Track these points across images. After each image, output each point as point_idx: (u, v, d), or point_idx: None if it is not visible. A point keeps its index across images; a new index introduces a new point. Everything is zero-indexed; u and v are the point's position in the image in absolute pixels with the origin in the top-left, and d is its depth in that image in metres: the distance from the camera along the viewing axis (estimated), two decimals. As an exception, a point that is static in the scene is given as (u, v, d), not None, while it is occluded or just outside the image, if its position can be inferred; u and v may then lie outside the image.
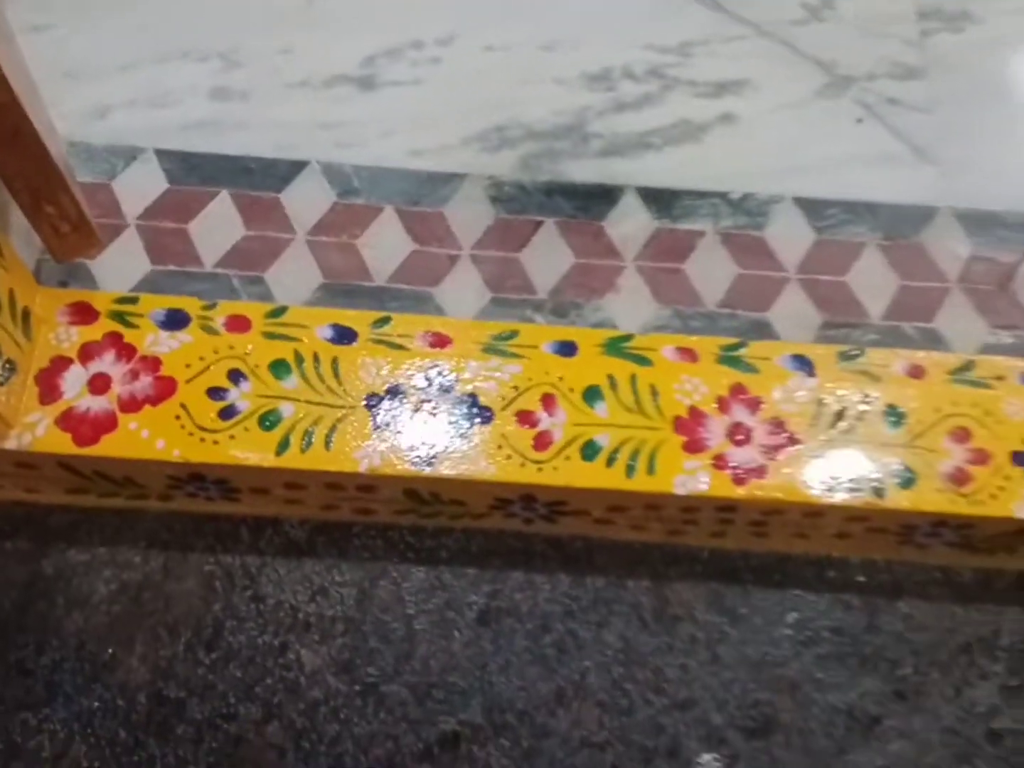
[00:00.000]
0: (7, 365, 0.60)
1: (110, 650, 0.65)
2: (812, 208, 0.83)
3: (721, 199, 0.83)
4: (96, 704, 0.63)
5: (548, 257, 0.79)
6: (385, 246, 0.79)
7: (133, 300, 0.67)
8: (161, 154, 0.82)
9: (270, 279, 0.77)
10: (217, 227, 0.79)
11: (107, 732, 0.63)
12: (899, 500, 0.62)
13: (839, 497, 0.62)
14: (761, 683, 0.66)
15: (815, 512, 0.63)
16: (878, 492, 0.62)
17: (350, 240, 0.79)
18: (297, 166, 0.83)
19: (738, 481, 0.62)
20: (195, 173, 0.82)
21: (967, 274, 0.80)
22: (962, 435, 0.64)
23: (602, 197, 0.82)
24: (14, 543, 0.67)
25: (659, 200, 0.83)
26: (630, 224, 0.81)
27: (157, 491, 0.66)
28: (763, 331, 0.77)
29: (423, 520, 0.68)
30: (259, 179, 0.82)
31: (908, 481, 0.62)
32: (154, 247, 0.78)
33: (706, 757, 0.64)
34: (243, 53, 0.87)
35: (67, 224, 0.64)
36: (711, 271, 0.80)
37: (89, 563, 0.67)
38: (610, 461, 0.62)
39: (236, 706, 0.64)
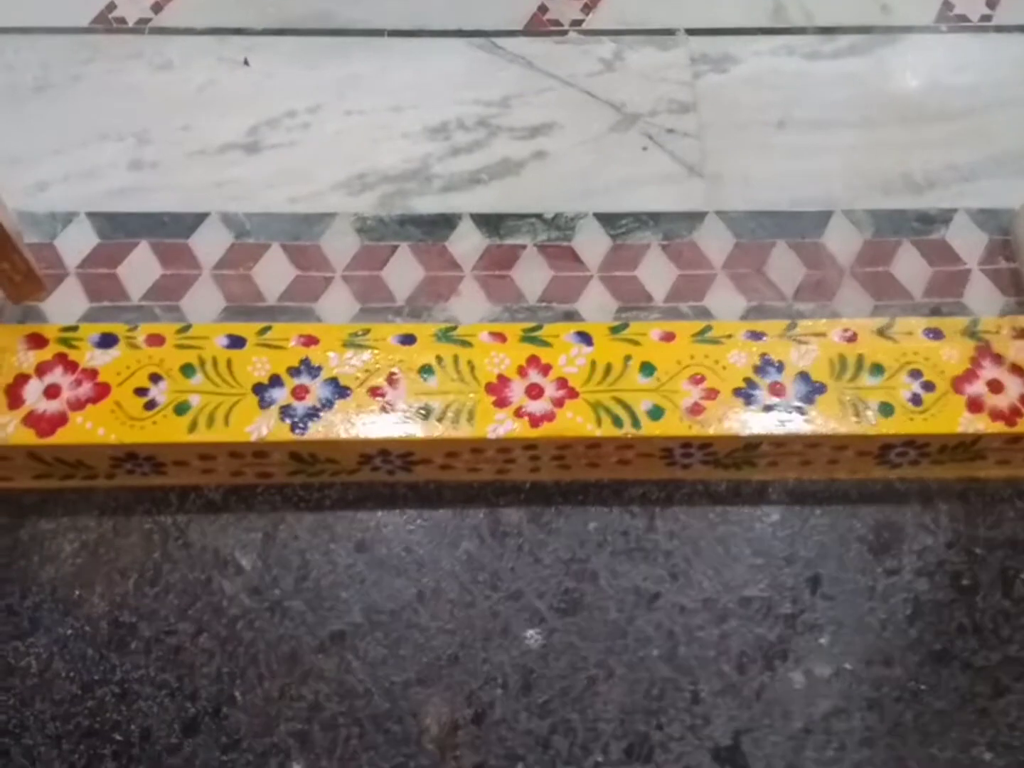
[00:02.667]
0: (-17, 382, 0.81)
1: (77, 592, 0.85)
2: (608, 220, 1.06)
3: (537, 219, 1.06)
4: (69, 632, 0.84)
5: (404, 273, 1.02)
6: (273, 274, 1.01)
7: (74, 328, 0.88)
8: (92, 216, 1.04)
9: (184, 307, 0.98)
10: (140, 270, 1.01)
11: (79, 651, 0.83)
12: (651, 429, 0.85)
13: (607, 431, 0.84)
14: (570, 575, 0.88)
15: (594, 444, 0.86)
16: (635, 424, 0.85)
17: (246, 272, 1.01)
18: (200, 217, 1.04)
19: (534, 424, 0.85)
20: (120, 229, 1.03)
21: (729, 262, 1.03)
22: (698, 379, 0.87)
23: (444, 224, 1.05)
24: (-4, 520, 0.88)
25: (489, 223, 1.05)
26: (467, 244, 1.04)
27: (103, 471, 0.87)
28: (573, 318, 0.99)
29: (310, 478, 0.90)
30: (171, 230, 1.03)
31: (657, 415, 0.85)
32: (91, 289, 0.99)
33: (530, 632, 0.85)
34: (152, 133, 1.09)
35: (19, 275, 0.85)
36: (532, 276, 1.02)
37: (56, 530, 0.88)
38: (441, 418, 0.85)
39: (175, 624, 0.85)
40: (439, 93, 1.13)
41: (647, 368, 0.87)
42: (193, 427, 0.83)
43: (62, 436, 0.83)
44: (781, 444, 0.87)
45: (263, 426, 0.84)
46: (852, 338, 0.90)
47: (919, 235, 1.04)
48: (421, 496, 0.90)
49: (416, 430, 0.84)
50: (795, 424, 0.85)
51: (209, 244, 1.03)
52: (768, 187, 1.08)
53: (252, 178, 1.07)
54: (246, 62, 1.14)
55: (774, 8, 1.21)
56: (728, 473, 0.91)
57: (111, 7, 1.18)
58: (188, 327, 0.89)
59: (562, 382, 0.86)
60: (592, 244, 1.04)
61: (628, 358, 0.88)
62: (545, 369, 0.87)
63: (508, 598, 0.87)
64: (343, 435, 0.84)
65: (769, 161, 1.10)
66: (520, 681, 0.84)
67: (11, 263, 0.82)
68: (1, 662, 0.83)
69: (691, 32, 1.18)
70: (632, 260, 1.03)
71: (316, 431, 0.84)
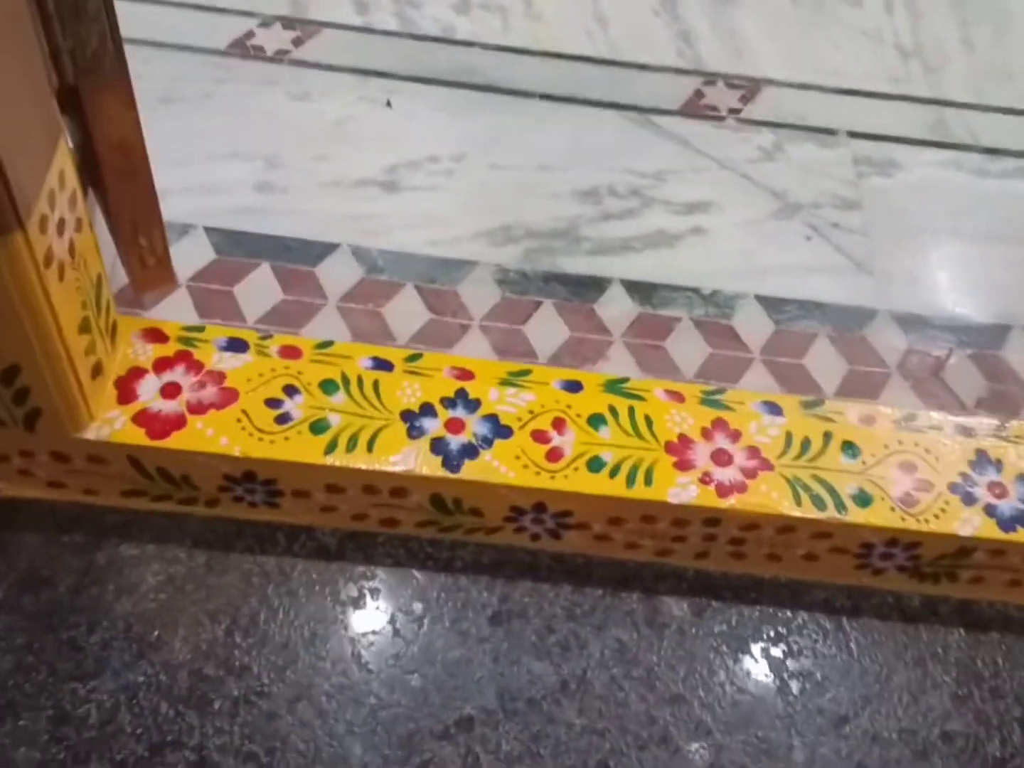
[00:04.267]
0: (96, 366, 0.69)
1: (156, 632, 0.71)
2: (771, 304, 0.97)
3: (694, 293, 0.97)
4: (141, 679, 0.69)
5: (547, 330, 0.91)
6: (406, 314, 0.91)
7: (199, 328, 0.77)
8: (209, 231, 0.94)
9: (305, 335, 0.87)
10: (259, 291, 0.90)
11: (150, 704, 0.68)
12: (858, 516, 0.73)
13: (807, 512, 0.72)
14: (742, 685, 0.73)
15: (787, 527, 0.73)
16: (840, 509, 0.73)
17: (375, 308, 0.91)
18: (329, 247, 0.95)
19: (722, 494, 0.72)
20: (240, 247, 0.93)
21: (904, 363, 0.94)
22: (908, 467, 0.75)
23: (592, 286, 0.96)
24: (71, 537, 0.74)
25: (640, 291, 0.96)
26: (616, 308, 0.94)
27: (207, 494, 0.74)
28: (732, 400, 0.89)
29: (441, 533, 0.77)
30: (296, 255, 0.94)
31: (865, 501, 0.73)
32: (202, 305, 0.88)
33: (695, 746, 0.71)
34: (283, 158, 1.01)
35: (153, 257, 0.74)
36: (687, 349, 0.92)
37: (139, 557, 0.74)
38: (613, 473, 0.72)
39: (269, 686, 0.70)
40: (590, 158, 1.06)
41: (850, 448, 0.76)
42: (331, 449, 0.71)
43: (177, 441, 0.70)
44: (999, 553, 0.74)
45: (411, 457, 0.71)
46: (1070, 446, 0.79)
47: (1107, 359, 0.96)
48: (568, 570, 0.77)
49: (584, 483, 0.72)
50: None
51: (337, 275, 0.93)
52: (941, 293, 1.00)
53: (388, 215, 0.98)
54: (388, 104, 1.07)
55: (936, 122, 1.16)
56: (923, 586, 0.78)
57: (249, 35, 1.12)
58: (328, 343, 0.78)
59: (754, 451, 0.75)
60: (753, 326, 0.95)
61: (828, 435, 0.76)
62: (734, 435, 0.76)
63: (668, 702, 0.72)
64: (500, 478, 0.71)
65: (941, 268, 1.02)
66: (682, 804, 0.69)
67: (150, 241, 0.72)
68: (55, 706, 0.67)
69: (852, 135, 1.13)
70: (798, 348, 0.94)
71: (472, 471, 0.71)
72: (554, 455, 0.73)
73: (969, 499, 0.75)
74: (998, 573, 0.77)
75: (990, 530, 0.73)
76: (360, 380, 0.75)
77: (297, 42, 1.12)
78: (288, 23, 1.14)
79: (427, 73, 1.12)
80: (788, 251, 1.02)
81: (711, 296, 0.97)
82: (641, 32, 1.21)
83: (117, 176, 0.66)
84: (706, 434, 0.75)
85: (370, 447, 0.71)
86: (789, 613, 0.77)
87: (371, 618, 0.73)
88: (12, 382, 0.63)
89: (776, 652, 0.75)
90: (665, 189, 1.05)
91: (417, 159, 1.03)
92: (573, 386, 0.78)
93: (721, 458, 0.74)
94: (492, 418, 0.74)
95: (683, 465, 0.74)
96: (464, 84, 1.11)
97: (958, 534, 0.73)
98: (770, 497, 0.73)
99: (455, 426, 0.73)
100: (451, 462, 0.71)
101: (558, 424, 0.75)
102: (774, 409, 0.78)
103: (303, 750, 0.68)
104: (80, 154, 0.65)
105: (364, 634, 0.72)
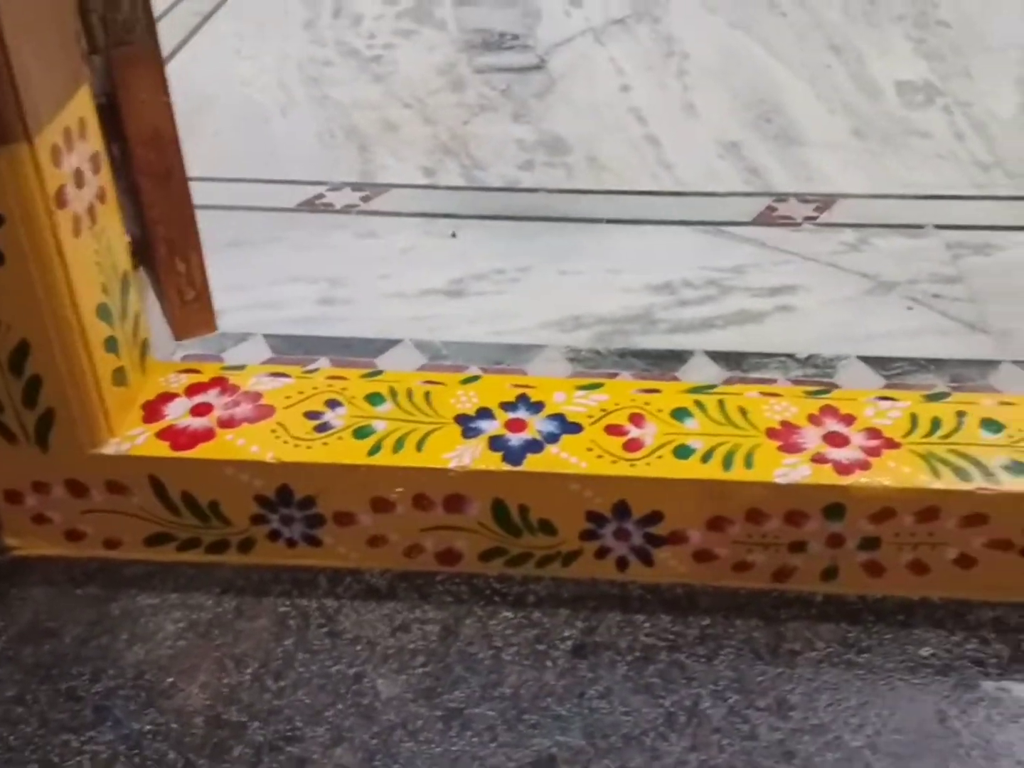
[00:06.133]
0: (119, 373, 0.63)
1: (169, 679, 0.59)
2: (878, 363, 0.87)
3: (788, 358, 0.87)
4: (147, 727, 0.56)
5: (627, 397, 0.83)
6: (471, 391, 0.83)
7: (240, 367, 0.71)
8: (268, 337, 0.91)
9: (363, 411, 0.80)
10: (315, 379, 0.85)
11: (155, 754, 0.55)
12: (1017, 484, 0.59)
13: (949, 484, 0.59)
14: (904, 716, 0.57)
15: (929, 509, 0.60)
16: (990, 478, 0.59)
17: (438, 387, 0.84)
18: (391, 342, 0.90)
19: (842, 471, 0.60)
20: (298, 347, 0.89)
21: (1043, 405, 0.81)
22: (1066, 439, 0.62)
23: (672, 358, 0.88)
24: (85, 590, 0.64)
25: (728, 359, 0.87)
26: (702, 375, 0.85)
27: (239, 529, 0.64)
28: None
29: (510, 568, 0.65)
30: (357, 351, 0.89)
31: (1020, 470, 0.60)
32: (254, 393, 0.83)
33: (852, 786, 0.53)
34: (347, 279, 0.99)
35: (192, 290, 0.70)
36: (787, 407, 0.82)
37: (158, 606, 0.63)
38: (705, 458, 0.61)
39: (302, 729, 0.56)
40: (663, 261, 1.02)
41: (992, 425, 0.63)
42: (375, 450, 0.62)
43: (204, 451, 0.62)
44: None
45: (466, 454, 0.62)
46: None
47: None
48: (665, 601, 0.63)
49: (672, 468, 0.61)
50: None
51: (398, 363, 0.87)
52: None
53: (452, 315, 0.94)
54: (454, 235, 1.06)
55: (1030, 211, 1.09)
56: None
57: (318, 196, 1.15)
58: (378, 372, 0.71)
59: (874, 432, 0.63)
60: (860, 383, 0.84)
61: (962, 415, 0.64)
62: (847, 419, 0.64)
63: (809, 733, 0.56)
64: (572, 469, 0.61)
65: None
66: (845, 859, 0.50)
67: (188, 266, 0.68)
68: (40, 760, 0.55)
69: (941, 227, 1.07)
70: (916, 398, 0.82)
71: (536, 464, 0.61)
72: (633, 445, 0.62)
73: None
74: None
75: None
76: (410, 392, 0.67)
77: (365, 199, 1.14)
78: (357, 187, 1.17)
79: (493, 212, 1.12)
80: (889, 320, 0.93)
81: (807, 359, 0.87)
82: (707, 171, 1.20)
83: (151, 176, 0.64)
84: (814, 420, 0.64)
85: (419, 447, 0.62)
86: (947, 633, 0.61)
87: (428, 655, 0.60)
88: (22, 367, 0.58)
89: (943, 681, 0.59)
90: (745, 279, 0.99)
91: (482, 272, 1.01)
92: (651, 392, 0.68)
93: (835, 439, 0.63)
94: (558, 417, 0.65)
95: (790, 448, 0.62)
96: (529, 217, 1.11)
97: None
98: (901, 472, 0.60)
99: (516, 425, 0.64)
100: (512, 456, 0.61)
101: (636, 419, 0.65)
102: (893, 402, 0.67)
103: (340, 803, 0.53)
104: (118, 166, 0.63)
105: (419, 671, 0.59)
